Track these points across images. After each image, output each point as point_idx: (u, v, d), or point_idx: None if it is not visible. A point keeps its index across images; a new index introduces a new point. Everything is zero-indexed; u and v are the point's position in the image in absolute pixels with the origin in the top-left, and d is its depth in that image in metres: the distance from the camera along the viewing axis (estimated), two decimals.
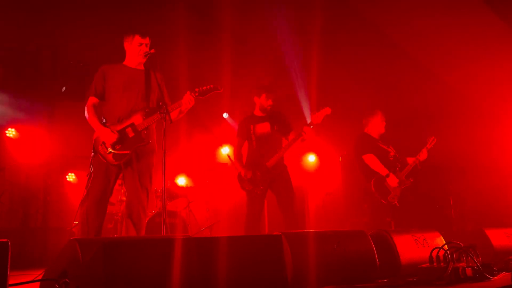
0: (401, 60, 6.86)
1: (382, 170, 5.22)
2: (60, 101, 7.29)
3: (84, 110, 3.97)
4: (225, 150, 7.13)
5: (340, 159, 7.85)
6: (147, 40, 4.09)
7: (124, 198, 6.15)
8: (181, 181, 7.65)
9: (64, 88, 6.89)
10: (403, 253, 3.29)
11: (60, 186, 6.93)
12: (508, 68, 6.34)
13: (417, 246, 3.41)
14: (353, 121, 7.88)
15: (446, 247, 3.07)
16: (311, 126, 4.79)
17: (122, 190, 6.08)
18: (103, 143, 3.83)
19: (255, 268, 2.08)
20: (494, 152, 6.77)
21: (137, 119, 3.93)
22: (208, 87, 4.10)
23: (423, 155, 5.31)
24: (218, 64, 7.12)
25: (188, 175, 7.81)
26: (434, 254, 3.03)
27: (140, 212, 3.90)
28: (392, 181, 5.17)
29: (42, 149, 6.79)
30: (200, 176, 8.07)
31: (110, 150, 3.81)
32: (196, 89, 4.05)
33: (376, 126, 5.51)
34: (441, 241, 3.56)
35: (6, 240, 2.10)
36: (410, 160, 5.38)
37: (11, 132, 6.68)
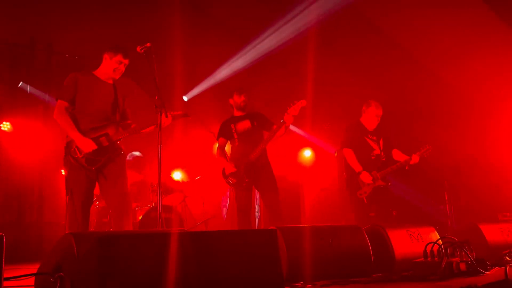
0: (398, 56, 6.86)
1: (356, 167, 5.20)
2: (55, 94, 7.25)
3: (54, 113, 3.94)
4: None
5: (335, 154, 7.86)
6: (126, 61, 4.19)
7: None
8: (177, 175, 7.64)
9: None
10: (398, 248, 3.32)
11: (55, 180, 6.89)
12: (503, 65, 6.36)
13: (412, 241, 3.43)
14: (350, 117, 7.89)
15: (440, 242, 3.09)
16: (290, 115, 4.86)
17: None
18: (77, 147, 3.86)
19: (250, 263, 2.08)
20: (489, 148, 6.80)
21: (111, 130, 4.02)
22: (180, 113, 4.35)
23: (414, 160, 5.18)
24: (214, 58, 7.10)
25: (184, 169, 7.81)
26: (428, 249, 3.05)
27: (128, 217, 3.97)
28: (366, 178, 5.14)
29: (37, 142, 6.75)
30: (196, 170, 8.06)
31: (84, 154, 3.86)
32: (171, 113, 4.17)
33: (369, 117, 5.39)
34: (435, 236, 3.58)
35: (1, 234, 2.10)
36: (396, 155, 5.31)
37: (5, 126, 6.64)
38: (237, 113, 5.31)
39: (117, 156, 4.04)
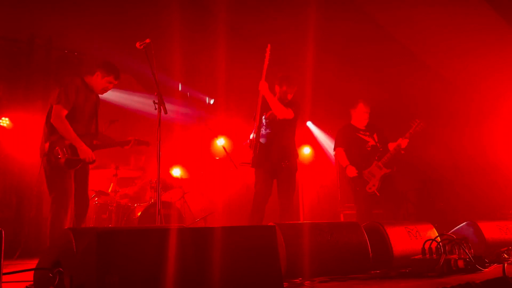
0: (398, 53, 6.85)
1: (343, 162, 5.42)
2: (54, 90, 7.24)
3: (52, 117, 4.00)
4: (220, 142, 7.12)
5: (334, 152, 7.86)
6: (116, 82, 4.34)
7: (118, 189, 6.16)
8: (176, 172, 7.64)
9: None
10: (396, 245, 3.32)
11: None
12: (502, 63, 6.36)
13: (410, 238, 3.44)
14: (349, 115, 7.88)
15: (438, 239, 3.10)
16: None
17: (115, 181, 6.08)
18: (60, 149, 3.93)
19: (249, 259, 2.09)
20: (488, 146, 6.80)
21: (88, 140, 4.16)
22: (144, 140, 4.60)
23: (404, 141, 5.23)
24: (213, 55, 7.08)
25: (183, 166, 7.81)
26: (426, 246, 3.05)
27: (85, 215, 4.25)
28: (351, 172, 5.29)
29: (36, 138, 6.72)
30: (195, 167, 8.06)
31: (68, 156, 3.95)
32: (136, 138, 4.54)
33: (358, 116, 5.58)
34: (433, 233, 3.59)
35: (0, 229, 2.10)
36: (391, 147, 5.35)
37: (4, 122, 6.62)
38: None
39: (89, 164, 4.20)
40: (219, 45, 6.79)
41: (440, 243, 3.02)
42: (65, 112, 4.01)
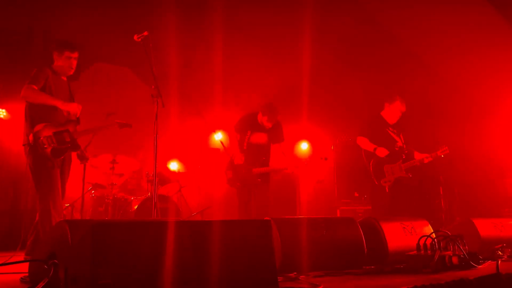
0: (397, 52, 6.85)
1: (370, 146, 5.36)
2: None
3: (22, 93, 3.95)
4: (218, 136, 7.11)
5: (332, 148, 7.86)
6: (76, 54, 4.28)
7: (116, 182, 6.15)
8: (173, 166, 7.64)
9: None
10: (391, 241, 3.34)
11: None
12: (501, 62, 6.36)
13: (405, 234, 3.45)
14: (346, 110, 7.89)
15: (433, 235, 3.11)
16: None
17: (112, 174, 6.07)
18: (45, 137, 3.92)
19: (244, 252, 2.09)
20: (484, 143, 6.82)
21: (70, 127, 4.12)
22: (126, 122, 4.64)
23: (428, 159, 5.30)
24: (210, 48, 7.05)
25: (180, 160, 7.80)
26: (421, 242, 3.07)
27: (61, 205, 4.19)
28: (381, 152, 5.28)
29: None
30: (192, 161, 8.06)
31: (54, 145, 3.93)
32: (118, 121, 4.55)
33: (392, 111, 5.48)
34: (429, 229, 3.60)
35: None
36: (418, 157, 5.36)
37: (1, 113, 6.61)
38: (260, 123, 5.50)
39: (73, 152, 4.22)
40: (216, 38, 6.77)
41: (435, 240, 3.03)
42: (35, 87, 3.98)
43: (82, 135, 4.27)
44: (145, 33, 3.98)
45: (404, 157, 5.35)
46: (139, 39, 4.02)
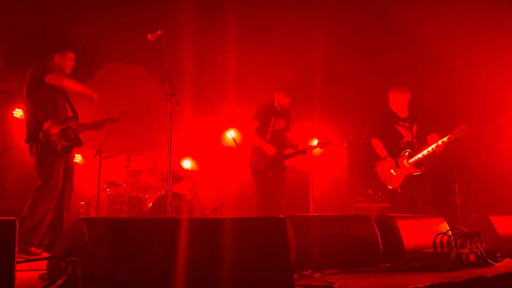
0: (408, 45, 6.78)
1: (382, 153, 5.18)
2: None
3: (50, 76, 4.12)
4: (231, 134, 7.13)
5: (345, 145, 7.82)
6: (73, 56, 4.51)
7: (130, 180, 6.20)
8: (187, 164, 7.67)
9: None
10: (407, 238, 3.30)
11: None
12: None
13: (421, 232, 3.42)
14: (359, 108, 7.83)
15: (450, 233, 3.07)
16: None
17: (127, 172, 6.13)
18: (58, 134, 4.05)
19: (258, 250, 2.09)
20: (500, 140, 6.72)
21: (72, 123, 4.26)
22: (115, 117, 4.85)
23: (441, 145, 4.88)
24: (224, 46, 7.06)
25: (194, 158, 7.84)
26: (438, 239, 3.04)
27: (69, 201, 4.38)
28: (389, 163, 5.09)
29: None
30: (206, 159, 8.09)
31: (63, 142, 4.06)
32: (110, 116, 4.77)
33: (396, 102, 5.22)
34: (445, 227, 3.56)
35: (13, 218, 2.13)
36: (430, 143, 5.00)
37: (18, 113, 6.71)
38: (277, 107, 5.61)
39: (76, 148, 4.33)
40: (229, 37, 6.77)
41: (452, 237, 3.00)
42: (54, 75, 4.17)
43: (84, 130, 4.45)
44: (159, 32, 4.01)
45: (409, 152, 5.06)
46: (153, 38, 4.05)
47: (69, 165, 4.31)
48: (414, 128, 5.25)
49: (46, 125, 4.04)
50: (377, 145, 5.24)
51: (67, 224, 4.07)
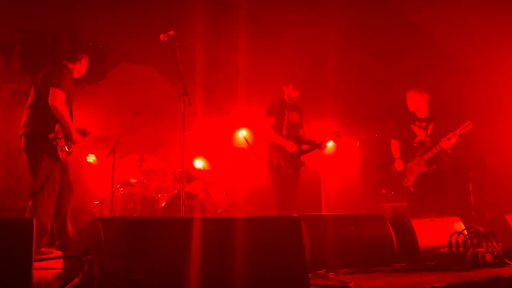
0: (423, 44, 6.71)
1: (395, 154, 5.36)
2: (79, 82, 7.37)
3: (54, 100, 4.03)
4: (242, 133, 7.13)
5: (358, 144, 7.78)
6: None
7: (143, 180, 6.24)
8: (198, 163, 7.70)
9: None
10: (422, 238, 3.28)
11: (80, 166, 7.02)
12: None
13: (436, 231, 3.38)
14: (372, 107, 7.78)
15: (465, 232, 3.04)
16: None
17: (140, 172, 6.17)
18: (61, 140, 4.06)
19: (273, 249, 2.09)
20: None
21: (72, 129, 4.24)
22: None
23: (446, 142, 4.90)
24: (235, 45, 7.07)
25: (205, 157, 7.86)
26: (453, 239, 3.00)
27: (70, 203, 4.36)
28: (398, 165, 5.28)
29: None
30: (217, 158, 8.10)
31: (66, 148, 4.11)
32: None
33: (413, 102, 5.30)
34: (460, 226, 3.52)
35: (31, 217, 2.16)
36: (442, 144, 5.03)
37: None
38: (288, 101, 5.53)
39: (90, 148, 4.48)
40: (241, 36, 6.77)
41: (467, 236, 2.96)
42: (64, 96, 4.08)
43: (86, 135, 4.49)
44: (171, 32, 4.02)
45: (422, 151, 5.15)
46: (165, 39, 4.06)
47: (65, 169, 4.29)
48: (430, 127, 5.28)
49: (56, 127, 4.05)
50: (393, 146, 5.41)
51: (82, 223, 4.12)
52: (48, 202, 3.99)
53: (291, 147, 5.25)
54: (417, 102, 5.26)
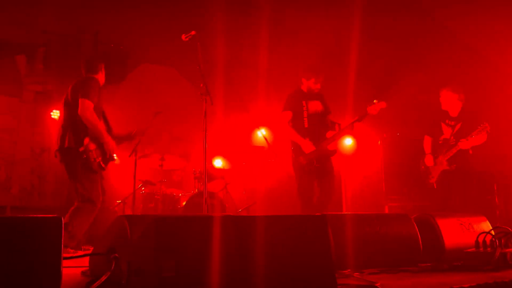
0: (447, 41, 6.60)
1: (427, 150, 5.50)
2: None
3: (85, 110, 4.11)
4: (262, 132, 7.12)
5: (379, 143, 7.69)
6: None
7: (165, 179, 6.29)
8: (218, 162, 7.72)
9: None
10: (448, 237, 3.23)
11: None
12: None
13: (463, 231, 3.33)
14: (394, 105, 7.66)
15: (493, 232, 2.99)
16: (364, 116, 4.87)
17: (161, 171, 6.22)
18: (96, 150, 4.15)
19: (300, 248, 2.08)
20: None
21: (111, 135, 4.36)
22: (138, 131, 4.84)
23: (464, 143, 5.06)
24: (255, 46, 7.06)
25: (225, 156, 7.87)
26: (480, 239, 2.95)
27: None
28: (428, 161, 5.41)
29: None
30: (237, 158, 8.11)
31: (98, 161, 4.18)
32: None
33: (445, 101, 5.42)
34: (487, 226, 3.46)
35: (58, 216, 2.19)
36: (461, 145, 5.15)
37: (55, 114, 6.89)
38: (307, 91, 5.15)
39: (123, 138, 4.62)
40: (261, 36, 6.77)
41: (495, 236, 2.91)
42: (92, 106, 4.15)
43: (121, 143, 4.61)
44: (193, 32, 4.04)
45: (445, 150, 5.28)
46: (187, 39, 4.08)
47: (103, 179, 4.44)
48: (457, 127, 5.34)
49: (86, 140, 4.11)
50: (426, 142, 5.55)
51: (105, 222, 4.17)
52: (91, 211, 4.16)
53: (308, 147, 4.86)
54: (451, 101, 5.36)
